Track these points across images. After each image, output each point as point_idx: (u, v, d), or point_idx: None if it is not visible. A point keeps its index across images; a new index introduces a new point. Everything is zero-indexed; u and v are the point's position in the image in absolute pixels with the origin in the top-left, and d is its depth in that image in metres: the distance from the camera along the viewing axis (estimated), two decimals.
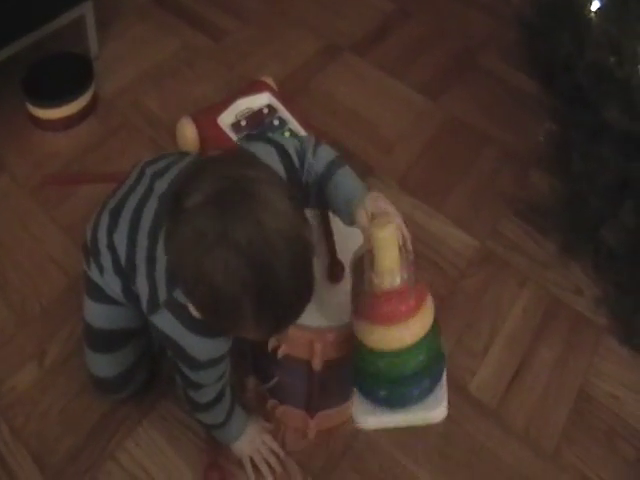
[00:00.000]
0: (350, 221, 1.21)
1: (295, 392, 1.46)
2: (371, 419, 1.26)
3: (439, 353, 1.23)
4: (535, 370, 1.65)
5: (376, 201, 1.19)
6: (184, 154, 1.42)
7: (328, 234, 1.43)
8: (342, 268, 1.38)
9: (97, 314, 1.45)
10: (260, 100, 2.03)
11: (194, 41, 2.43)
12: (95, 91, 2.15)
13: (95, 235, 1.34)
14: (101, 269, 1.35)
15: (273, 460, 1.46)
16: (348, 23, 2.53)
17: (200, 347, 1.18)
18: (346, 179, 1.25)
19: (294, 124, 1.97)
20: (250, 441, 1.45)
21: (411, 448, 1.51)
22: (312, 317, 1.28)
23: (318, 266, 1.34)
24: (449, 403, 1.27)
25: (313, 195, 1.27)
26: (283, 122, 1.98)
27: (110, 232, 1.30)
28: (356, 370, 1.23)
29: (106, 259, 1.33)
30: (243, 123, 1.95)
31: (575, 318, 1.75)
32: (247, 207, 0.95)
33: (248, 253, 0.93)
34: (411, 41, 2.49)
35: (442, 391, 1.27)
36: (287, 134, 1.94)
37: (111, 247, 1.30)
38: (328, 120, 2.17)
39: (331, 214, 1.38)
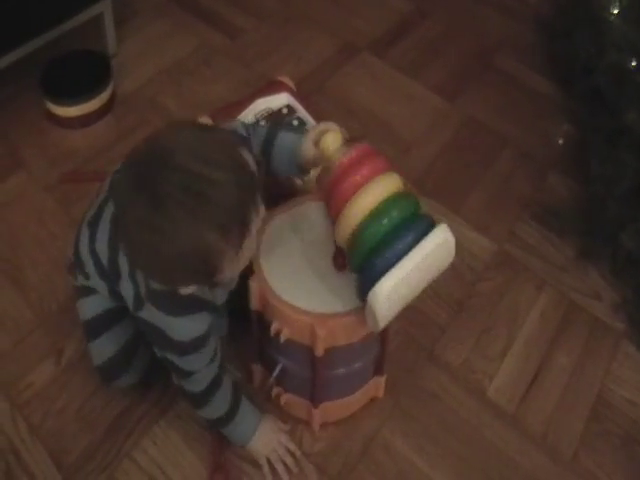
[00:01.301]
0: (300, 165, 1.33)
1: (298, 379, 1.46)
2: (385, 279, 1.16)
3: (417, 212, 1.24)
4: (553, 375, 1.65)
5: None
6: None
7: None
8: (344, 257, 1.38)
9: (87, 307, 1.49)
10: (279, 100, 2.02)
11: (211, 39, 2.43)
12: (113, 89, 2.15)
13: (77, 248, 1.42)
14: (87, 277, 1.42)
15: (290, 460, 1.46)
16: (365, 23, 2.53)
17: (183, 328, 1.23)
18: (288, 134, 1.36)
19: (313, 125, 1.97)
20: (266, 441, 1.45)
21: (428, 452, 1.50)
22: (316, 303, 1.30)
23: (324, 254, 1.37)
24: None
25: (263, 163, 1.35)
26: (302, 122, 1.98)
27: (91, 241, 1.36)
28: (358, 259, 1.22)
29: (89, 267, 1.39)
30: (262, 123, 1.95)
31: (593, 323, 1.74)
32: (158, 165, 1.02)
33: (182, 196, 1.00)
34: (428, 41, 2.48)
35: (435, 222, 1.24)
36: None
37: (93, 254, 1.36)
38: (345, 120, 2.14)
39: None
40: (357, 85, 2.30)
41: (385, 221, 1.17)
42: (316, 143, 1.26)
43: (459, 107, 2.25)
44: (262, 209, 1.14)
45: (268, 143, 1.36)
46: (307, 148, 1.29)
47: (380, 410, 1.57)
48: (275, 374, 1.45)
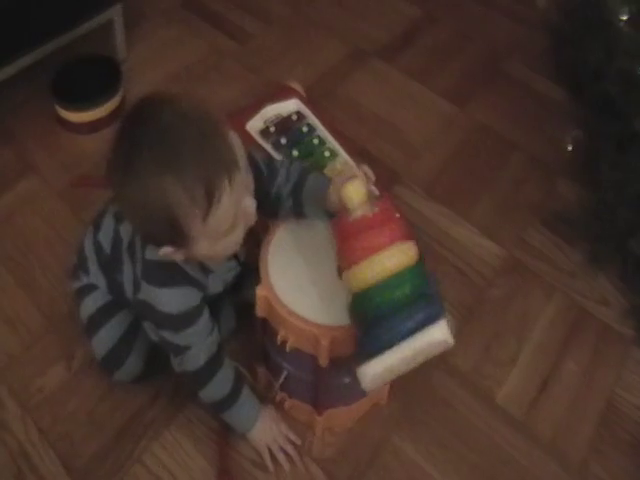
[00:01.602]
0: (327, 211, 1.33)
1: (303, 386, 1.46)
2: (373, 362, 1.16)
3: (426, 292, 1.20)
4: (562, 381, 1.65)
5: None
6: None
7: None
8: None
9: (87, 305, 1.53)
10: (289, 106, 2.03)
11: (221, 45, 2.43)
12: (123, 94, 2.16)
13: (82, 246, 1.51)
14: (87, 272, 1.50)
15: (291, 449, 1.47)
16: (375, 29, 2.53)
17: (171, 299, 1.28)
18: (319, 178, 1.36)
19: (323, 131, 1.97)
20: (266, 429, 1.46)
21: (438, 458, 1.51)
22: (322, 313, 1.31)
23: (331, 264, 1.35)
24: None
25: (290, 203, 1.37)
26: (312, 129, 1.98)
27: (95, 234, 1.46)
28: (361, 318, 1.21)
29: (92, 261, 1.47)
30: (272, 129, 1.95)
31: (602, 330, 1.74)
32: (144, 113, 1.10)
33: (155, 139, 1.07)
34: (438, 47, 2.48)
35: (440, 313, 1.20)
36: (315, 141, 1.94)
37: (97, 245, 1.46)
38: (354, 126, 2.17)
39: None
40: (367, 90, 2.30)
41: (398, 294, 1.16)
42: (339, 190, 1.24)
43: (468, 113, 2.25)
44: (248, 200, 1.18)
45: (298, 186, 1.36)
46: (333, 195, 1.29)
47: (389, 416, 1.57)
48: (279, 382, 1.46)
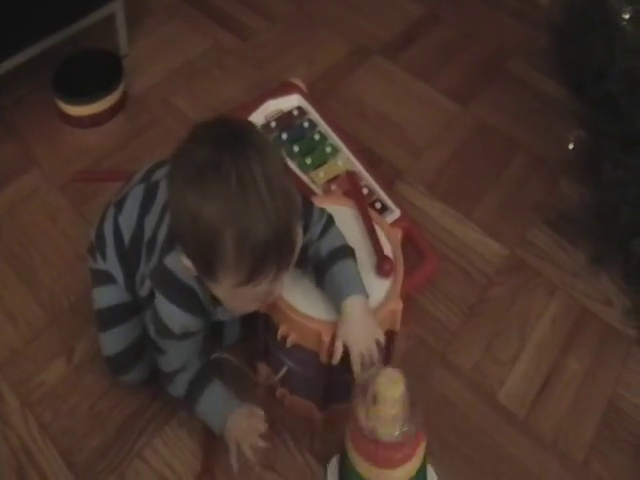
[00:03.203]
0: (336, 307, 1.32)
1: (304, 383, 1.46)
2: None
3: None
4: (564, 381, 1.64)
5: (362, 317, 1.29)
6: None
7: (372, 232, 1.45)
8: (391, 263, 1.38)
9: (103, 296, 1.51)
10: (290, 102, 2.02)
11: (223, 40, 2.43)
12: (124, 89, 2.15)
13: (101, 225, 1.46)
14: (104, 257, 1.45)
15: (262, 445, 1.38)
16: (378, 26, 2.53)
17: (176, 319, 1.26)
18: (343, 272, 1.32)
19: (324, 127, 1.97)
20: (238, 429, 1.39)
21: (439, 456, 1.49)
22: (323, 309, 1.32)
23: (363, 263, 1.38)
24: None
25: (309, 267, 1.35)
26: (313, 124, 1.98)
27: (115, 216, 1.41)
28: None
29: (110, 247, 1.43)
30: (273, 124, 1.95)
31: (605, 329, 1.74)
32: (242, 147, 1.06)
33: (235, 188, 1.03)
34: (440, 45, 2.48)
35: None
36: (317, 137, 1.94)
37: (116, 231, 1.41)
38: (357, 123, 2.16)
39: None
40: (369, 88, 2.30)
41: None
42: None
43: (471, 111, 2.25)
44: (278, 286, 1.17)
45: (323, 264, 1.33)
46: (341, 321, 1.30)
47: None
48: (280, 375, 1.46)
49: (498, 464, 1.51)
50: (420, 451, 1.28)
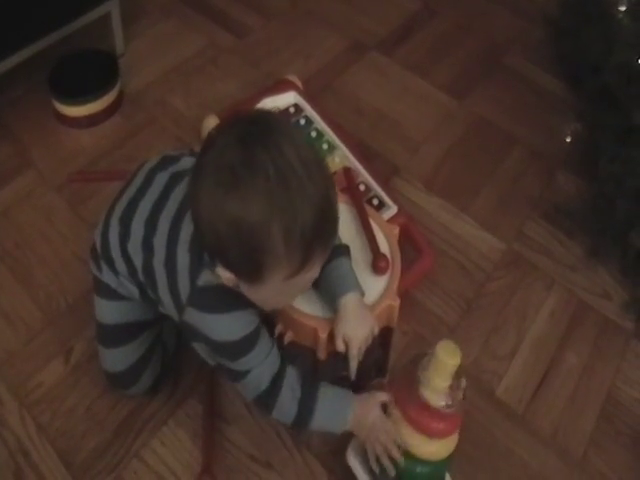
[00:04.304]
0: (331, 305, 1.31)
1: None
2: None
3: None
4: (562, 375, 1.64)
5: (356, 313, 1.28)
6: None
7: (368, 230, 1.45)
8: (387, 261, 1.38)
9: (107, 311, 1.45)
10: (286, 99, 2.02)
11: (219, 38, 2.43)
12: (121, 88, 2.15)
13: (106, 241, 1.35)
14: (117, 274, 1.36)
15: (393, 450, 1.27)
16: (374, 22, 2.53)
17: (230, 325, 1.20)
18: (338, 270, 1.31)
19: (320, 124, 1.97)
20: (362, 425, 1.29)
21: None
22: (320, 307, 1.33)
23: (359, 261, 1.39)
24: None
25: None
26: (309, 121, 1.97)
27: (122, 241, 1.31)
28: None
29: (121, 267, 1.34)
30: None
31: (603, 322, 1.74)
32: (270, 137, 1.02)
33: (275, 180, 0.99)
34: (437, 40, 2.48)
35: None
36: (313, 134, 1.93)
37: (125, 256, 1.31)
38: (353, 120, 2.16)
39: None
40: (365, 84, 2.29)
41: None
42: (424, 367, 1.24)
43: (468, 106, 2.25)
44: (317, 268, 1.13)
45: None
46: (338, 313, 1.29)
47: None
48: None
49: (497, 459, 1.50)
50: (456, 434, 1.30)
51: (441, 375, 1.19)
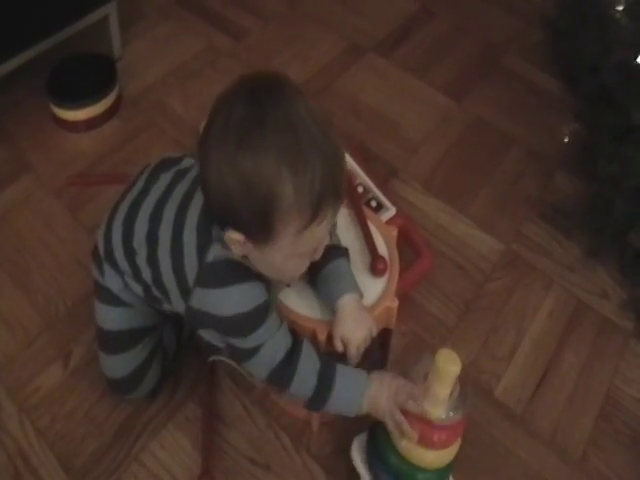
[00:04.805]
0: (330, 306, 1.31)
1: None
2: None
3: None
4: (561, 375, 1.64)
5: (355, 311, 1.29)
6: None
7: (366, 232, 1.46)
8: (385, 263, 1.39)
9: (108, 317, 1.45)
10: None
11: (217, 41, 2.43)
12: (119, 92, 2.15)
13: (109, 243, 1.35)
14: (121, 274, 1.36)
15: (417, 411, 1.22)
16: (371, 23, 2.53)
17: (240, 296, 1.18)
18: (336, 271, 1.32)
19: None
20: (378, 403, 1.25)
21: None
22: (318, 308, 1.33)
23: (358, 263, 1.39)
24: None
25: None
26: None
27: (126, 240, 1.31)
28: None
29: (125, 266, 1.34)
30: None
31: (601, 322, 1.74)
32: (281, 91, 1.04)
33: (285, 131, 1.00)
34: (435, 41, 2.48)
35: None
36: None
37: (129, 255, 1.32)
38: (351, 121, 2.16)
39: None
40: (363, 85, 2.30)
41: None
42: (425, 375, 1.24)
43: (466, 106, 2.25)
44: (328, 236, 1.14)
45: (318, 263, 1.27)
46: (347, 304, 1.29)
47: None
48: None
49: (496, 460, 1.50)
50: (458, 442, 1.30)
51: (442, 384, 1.19)
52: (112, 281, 1.39)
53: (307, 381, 1.25)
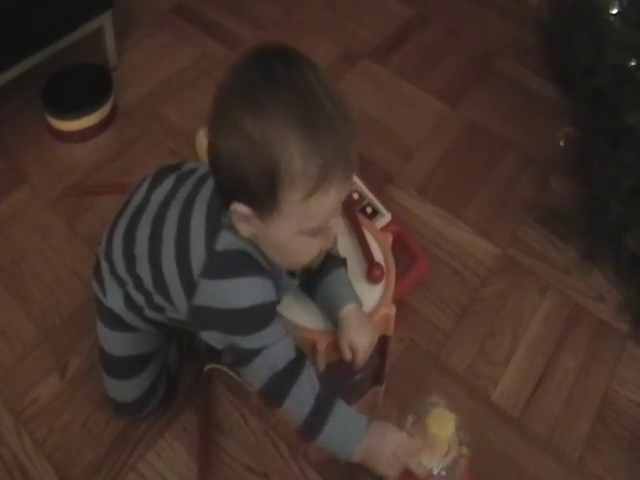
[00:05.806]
0: (330, 316, 1.31)
1: None
2: None
3: None
4: (558, 378, 1.64)
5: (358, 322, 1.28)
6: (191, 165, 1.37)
7: (361, 239, 1.45)
8: (382, 269, 1.39)
9: (115, 342, 1.43)
10: None
11: (212, 50, 2.43)
12: (114, 102, 2.16)
13: (110, 257, 1.33)
14: (123, 285, 1.34)
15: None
16: (366, 30, 2.53)
17: (245, 290, 1.15)
18: (336, 282, 1.31)
19: None
20: (377, 454, 1.20)
21: None
22: (317, 320, 1.32)
23: (354, 270, 1.38)
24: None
25: (302, 277, 1.31)
26: None
27: (127, 250, 1.30)
28: None
29: (126, 277, 1.32)
30: None
31: (597, 325, 1.74)
32: (292, 59, 1.03)
33: (293, 94, 0.99)
34: (429, 47, 2.48)
35: None
36: None
37: (129, 265, 1.30)
38: None
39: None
40: (359, 92, 2.30)
41: None
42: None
43: (461, 112, 2.25)
44: (336, 220, 1.12)
45: (317, 274, 1.29)
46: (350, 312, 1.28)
47: (385, 418, 1.55)
48: None
49: (493, 464, 1.50)
50: None
51: (438, 445, 1.19)
52: (114, 298, 1.36)
53: (303, 401, 1.19)
